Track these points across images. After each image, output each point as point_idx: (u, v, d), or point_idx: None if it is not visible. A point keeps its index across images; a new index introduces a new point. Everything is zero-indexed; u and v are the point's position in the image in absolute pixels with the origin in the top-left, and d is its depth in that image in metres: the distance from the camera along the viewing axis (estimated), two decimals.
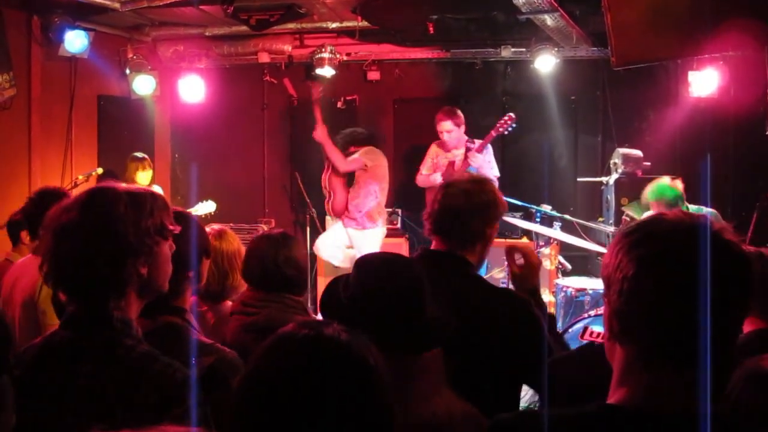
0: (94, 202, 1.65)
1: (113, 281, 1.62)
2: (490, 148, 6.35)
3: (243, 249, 2.95)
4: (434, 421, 1.60)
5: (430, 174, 6.52)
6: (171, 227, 1.73)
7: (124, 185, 1.71)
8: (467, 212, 2.41)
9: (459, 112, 6.34)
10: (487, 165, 6.24)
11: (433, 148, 6.58)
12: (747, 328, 2.66)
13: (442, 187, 2.54)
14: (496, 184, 6.01)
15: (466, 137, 6.34)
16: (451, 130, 6.26)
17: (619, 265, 1.21)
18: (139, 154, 6.60)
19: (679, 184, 5.00)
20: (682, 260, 1.16)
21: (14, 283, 3.24)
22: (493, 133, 6.21)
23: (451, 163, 6.35)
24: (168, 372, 1.58)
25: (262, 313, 2.74)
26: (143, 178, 6.43)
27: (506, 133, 6.28)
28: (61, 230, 1.63)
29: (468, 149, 6.17)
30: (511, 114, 6.22)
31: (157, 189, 6.27)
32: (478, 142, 6.20)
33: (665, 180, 5.05)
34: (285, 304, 2.80)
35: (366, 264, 1.80)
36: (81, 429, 1.39)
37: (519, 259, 2.57)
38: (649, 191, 5.06)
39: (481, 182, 2.52)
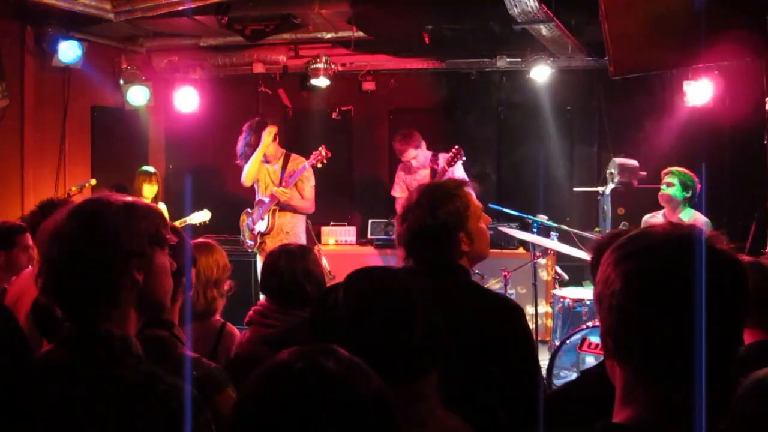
0: (83, 208, 1.60)
1: (105, 287, 1.55)
2: (459, 165, 5.99)
3: (224, 260, 2.86)
4: None
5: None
6: (168, 237, 1.67)
7: (119, 196, 1.65)
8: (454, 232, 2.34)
9: (415, 135, 6.25)
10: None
11: (401, 172, 6.55)
12: (747, 340, 2.63)
13: (426, 198, 2.45)
14: None
15: (429, 153, 6.26)
16: (416, 155, 6.26)
17: (607, 281, 1.18)
18: (150, 169, 6.63)
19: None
20: (671, 273, 1.13)
21: (19, 294, 3.12)
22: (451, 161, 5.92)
23: (420, 183, 6.25)
24: (173, 393, 1.52)
25: (281, 327, 2.70)
26: (149, 191, 6.42)
27: (461, 161, 5.91)
28: (49, 239, 1.58)
29: (433, 169, 6.05)
30: (458, 147, 5.90)
31: (161, 206, 6.25)
32: (442, 157, 6.00)
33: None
34: (304, 319, 2.75)
35: (356, 285, 1.66)
36: None
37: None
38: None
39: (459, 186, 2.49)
